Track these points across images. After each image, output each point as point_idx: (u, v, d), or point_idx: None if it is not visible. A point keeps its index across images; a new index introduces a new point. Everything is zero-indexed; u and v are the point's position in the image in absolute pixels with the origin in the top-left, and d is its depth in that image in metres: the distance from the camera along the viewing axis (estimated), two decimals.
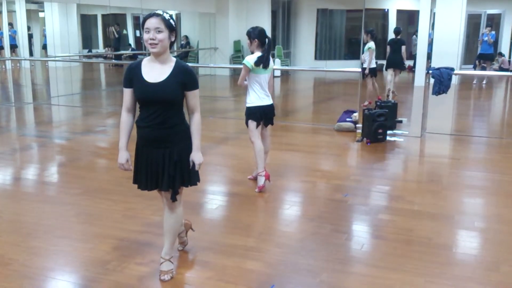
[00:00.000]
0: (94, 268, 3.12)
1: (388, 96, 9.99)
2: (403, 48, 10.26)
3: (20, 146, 6.73)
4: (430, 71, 6.96)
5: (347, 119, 7.44)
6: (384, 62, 11.64)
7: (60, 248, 3.45)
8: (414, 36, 16.40)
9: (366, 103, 9.09)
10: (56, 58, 13.42)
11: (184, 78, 2.77)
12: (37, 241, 3.55)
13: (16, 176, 5.34)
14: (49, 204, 4.39)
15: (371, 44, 9.26)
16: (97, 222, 3.89)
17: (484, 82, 13.93)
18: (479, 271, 3.15)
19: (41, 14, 20.68)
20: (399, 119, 7.66)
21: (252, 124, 4.60)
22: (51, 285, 2.98)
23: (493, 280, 3.01)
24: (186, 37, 17.97)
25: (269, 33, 15.54)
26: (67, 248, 3.44)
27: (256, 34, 4.51)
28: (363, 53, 9.12)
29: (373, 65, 9.49)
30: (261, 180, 4.59)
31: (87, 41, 22.28)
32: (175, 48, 18.90)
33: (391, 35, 16.23)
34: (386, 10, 17.68)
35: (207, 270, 3.11)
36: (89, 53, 20.45)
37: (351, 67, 9.61)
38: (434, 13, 11.79)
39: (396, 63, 10.37)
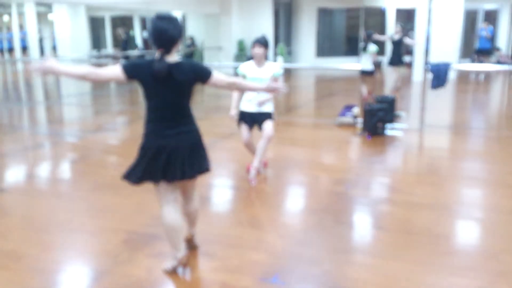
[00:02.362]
0: (105, 260, 3.21)
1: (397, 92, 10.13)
2: (408, 39, 10.50)
3: (32, 144, 6.82)
4: (428, 67, 7.04)
5: (347, 114, 7.52)
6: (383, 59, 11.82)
7: (71, 241, 3.53)
8: (411, 32, 16.46)
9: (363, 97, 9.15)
10: (66, 59, 13.50)
11: None
12: (49, 235, 3.63)
13: (28, 173, 5.42)
14: (60, 199, 4.48)
15: (374, 47, 9.27)
16: (108, 216, 3.98)
17: (481, 76, 13.98)
18: (478, 260, 3.21)
19: (50, 16, 20.79)
20: (398, 113, 7.75)
21: (239, 126, 4.82)
22: (63, 277, 3.07)
23: (492, 269, 3.06)
24: (192, 38, 18.14)
25: (271, 32, 15.77)
26: (78, 241, 3.53)
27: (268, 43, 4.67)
28: (364, 50, 9.13)
29: (370, 67, 9.49)
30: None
31: (96, 42, 22.44)
32: (180, 48, 19.03)
33: (390, 32, 16.27)
34: (383, 8, 17.76)
35: (212, 261, 3.19)
36: (98, 54, 20.61)
37: (351, 64, 9.66)
38: (431, 10, 11.88)
39: (396, 61, 10.53)
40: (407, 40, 10.85)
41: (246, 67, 4.72)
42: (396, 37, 10.41)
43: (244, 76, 4.68)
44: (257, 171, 4.79)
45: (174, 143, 2.83)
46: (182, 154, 2.85)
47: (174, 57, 2.80)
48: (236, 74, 4.88)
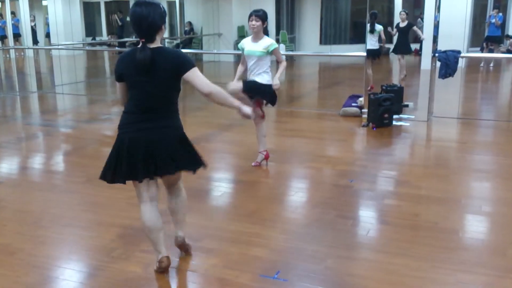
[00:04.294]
0: (99, 256, 3.14)
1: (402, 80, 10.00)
2: (416, 28, 10.39)
3: (25, 135, 6.77)
4: (437, 54, 6.89)
5: (353, 104, 7.40)
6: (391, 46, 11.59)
7: (66, 236, 3.47)
8: (419, 19, 16.21)
9: (368, 87, 9.03)
10: (60, 47, 13.40)
11: None
12: (42, 230, 3.57)
13: (21, 165, 5.37)
14: (54, 192, 4.41)
15: (380, 26, 9.27)
16: (102, 210, 3.91)
17: (491, 64, 13.77)
18: (486, 255, 3.14)
19: (44, 2, 20.70)
20: (405, 103, 7.60)
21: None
22: (57, 273, 2.99)
23: (500, 265, 3.00)
24: (190, 23, 17.89)
25: (273, 18, 15.54)
26: (72, 236, 3.47)
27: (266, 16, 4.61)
28: (371, 32, 9.10)
29: (377, 46, 9.43)
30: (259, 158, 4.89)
31: (91, 28, 22.28)
32: (178, 35, 18.84)
33: (396, 19, 15.96)
34: None
35: (212, 257, 3.12)
36: (93, 41, 20.44)
37: (356, 51, 9.54)
38: None
39: (404, 49, 10.36)
40: (415, 29, 10.62)
41: (245, 41, 4.70)
42: (402, 24, 10.18)
43: (243, 50, 4.67)
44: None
45: (154, 138, 2.65)
46: (158, 149, 2.65)
47: (157, 44, 2.64)
48: (238, 61, 4.81)
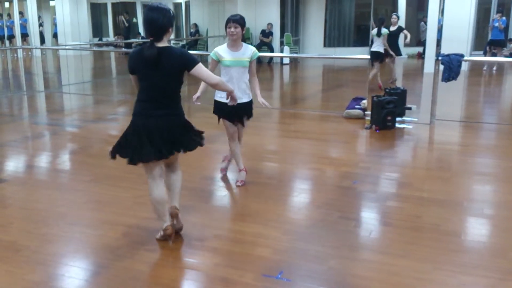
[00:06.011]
0: (105, 254, 3.17)
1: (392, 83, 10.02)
2: (405, 31, 10.38)
3: (32, 134, 6.80)
4: (440, 58, 6.90)
5: (356, 106, 7.41)
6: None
7: (71, 234, 3.49)
8: (422, 22, 16.21)
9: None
10: (67, 47, 13.46)
11: None
12: (48, 227, 3.60)
13: (28, 164, 5.40)
14: (60, 191, 4.44)
15: (386, 30, 9.42)
16: (108, 209, 3.93)
17: (494, 68, 13.76)
18: (487, 258, 3.15)
19: (51, 3, 20.76)
20: (408, 106, 7.61)
21: (223, 121, 4.42)
22: (63, 271, 3.02)
23: (501, 267, 3.00)
24: (196, 25, 17.93)
25: (278, 20, 15.55)
26: (78, 234, 3.49)
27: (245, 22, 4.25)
28: (378, 35, 9.25)
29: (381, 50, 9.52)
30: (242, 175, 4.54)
31: (97, 29, 22.32)
32: (184, 36, 18.88)
33: (401, 22, 16.00)
34: None
35: (215, 256, 3.14)
36: (100, 42, 20.50)
37: (360, 54, 9.60)
38: None
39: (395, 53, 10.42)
40: (405, 32, 10.57)
41: (222, 50, 4.22)
42: (392, 28, 10.14)
43: (219, 61, 4.23)
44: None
45: (162, 123, 3.06)
46: (170, 133, 3.08)
47: (164, 44, 3.06)
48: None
